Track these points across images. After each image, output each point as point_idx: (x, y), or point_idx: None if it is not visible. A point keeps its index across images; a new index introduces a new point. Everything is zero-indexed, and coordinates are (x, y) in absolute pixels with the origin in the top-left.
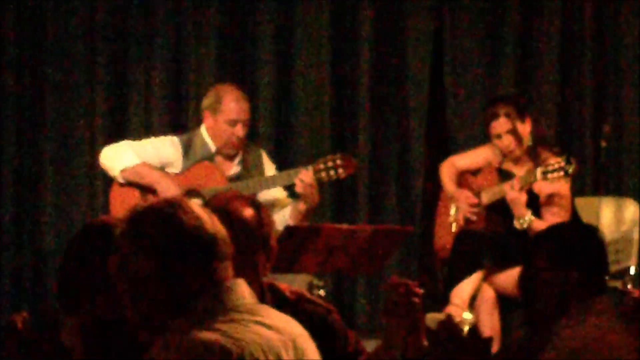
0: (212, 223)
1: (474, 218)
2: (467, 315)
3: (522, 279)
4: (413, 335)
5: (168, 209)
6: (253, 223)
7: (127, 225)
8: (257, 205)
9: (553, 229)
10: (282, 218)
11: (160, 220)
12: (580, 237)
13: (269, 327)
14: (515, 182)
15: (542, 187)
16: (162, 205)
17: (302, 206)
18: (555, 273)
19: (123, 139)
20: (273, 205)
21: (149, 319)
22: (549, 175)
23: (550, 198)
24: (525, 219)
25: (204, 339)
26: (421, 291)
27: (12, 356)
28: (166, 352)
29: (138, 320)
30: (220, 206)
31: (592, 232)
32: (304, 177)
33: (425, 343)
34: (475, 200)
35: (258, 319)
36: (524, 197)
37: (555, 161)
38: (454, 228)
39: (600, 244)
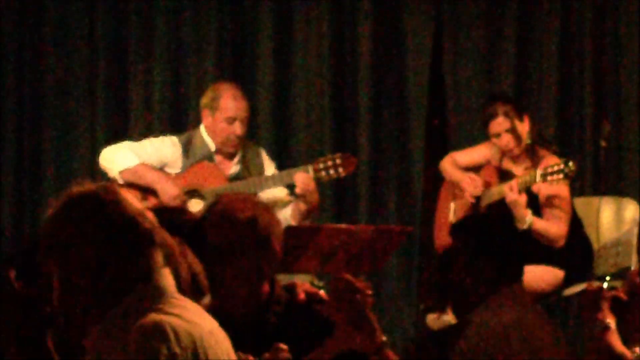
0: (144, 210)
1: (478, 192)
2: None
3: (440, 268)
4: (363, 332)
5: (103, 196)
6: (252, 224)
7: (62, 212)
8: (258, 206)
9: (469, 220)
10: (283, 218)
11: (96, 207)
12: (495, 226)
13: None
14: (514, 185)
15: (541, 188)
16: (96, 192)
17: (302, 206)
18: (471, 262)
19: (123, 140)
20: (274, 204)
21: (86, 308)
22: (549, 177)
23: (550, 200)
24: (526, 219)
25: (162, 321)
26: (368, 291)
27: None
28: (112, 340)
29: (74, 311)
30: (220, 207)
31: (508, 222)
32: (303, 177)
33: (381, 339)
34: (480, 180)
35: (188, 306)
36: (523, 199)
37: (554, 163)
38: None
39: (516, 233)
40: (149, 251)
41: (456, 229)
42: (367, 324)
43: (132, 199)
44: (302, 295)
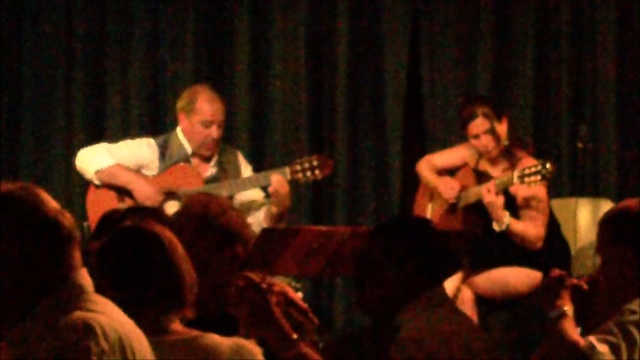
0: (63, 210)
1: (454, 195)
2: None
3: (359, 272)
4: (269, 330)
5: (22, 196)
6: (216, 220)
7: None
8: (218, 205)
9: (388, 224)
10: (257, 221)
11: (15, 207)
12: (416, 230)
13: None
14: (491, 186)
15: (519, 189)
16: (15, 192)
17: (274, 209)
18: (392, 266)
19: (100, 142)
20: (249, 206)
21: (6, 307)
22: (526, 179)
23: (527, 201)
24: (503, 221)
25: (89, 318)
26: (276, 287)
27: None
28: (36, 338)
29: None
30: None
31: (427, 225)
32: (276, 179)
33: (291, 337)
34: (455, 182)
35: (109, 305)
36: (500, 200)
37: (532, 164)
38: None
39: (437, 235)
40: (68, 250)
41: (376, 233)
42: (274, 322)
43: (51, 199)
44: (274, 297)
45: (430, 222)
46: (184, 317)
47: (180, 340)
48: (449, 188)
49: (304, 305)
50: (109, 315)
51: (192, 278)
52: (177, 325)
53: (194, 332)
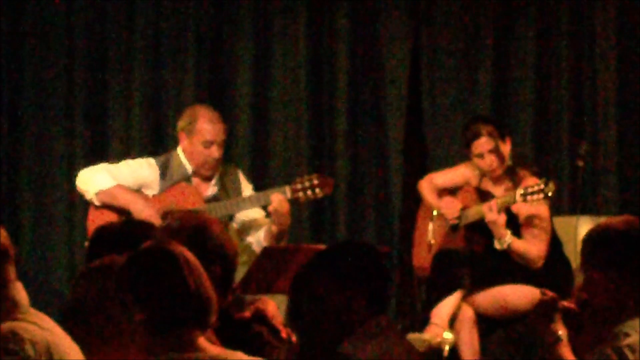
0: None
1: (456, 215)
2: (448, 335)
3: (299, 297)
4: None
5: None
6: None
7: None
8: (201, 222)
9: (335, 249)
10: (257, 240)
11: None
12: (359, 258)
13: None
14: (493, 204)
15: (521, 208)
16: None
17: (274, 228)
18: (338, 296)
19: (102, 162)
20: (250, 226)
21: None
22: (528, 197)
23: (530, 219)
24: (505, 239)
25: (17, 327)
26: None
27: None
28: None
29: None
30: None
31: (369, 251)
32: (276, 199)
33: None
34: (458, 203)
35: (44, 318)
36: (502, 219)
37: (534, 183)
38: (432, 247)
39: (379, 262)
40: (3, 266)
41: (322, 258)
42: None
43: None
44: (247, 313)
45: (375, 247)
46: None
47: (209, 358)
48: (450, 208)
49: (279, 325)
50: (42, 326)
51: (214, 297)
52: (203, 342)
53: (221, 350)
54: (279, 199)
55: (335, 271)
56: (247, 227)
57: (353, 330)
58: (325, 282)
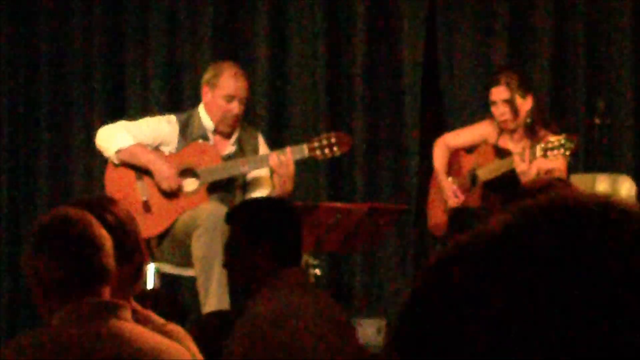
0: None
1: (457, 204)
2: None
3: (225, 254)
4: None
5: None
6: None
7: None
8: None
9: (245, 204)
10: None
11: None
12: (269, 211)
13: None
14: (526, 154)
15: (541, 165)
16: None
17: (275, 192)
18: (247, 248)
19: (120, 120)
20: (254, 184)
21: None
22: (549, 153)
23: (548, 173)
24: None
25: None
26: None
27: None
28: None
29: None
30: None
31: (281, 207)
32: (276, 159)
33: None
34: (460, 195)
35: None
36: (534, 170)
37: (555, 139)
38: (447, 206)
39: (290, 217)
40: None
41: (230, 216)
42: None
43: None
44: None
45: (287, 203)
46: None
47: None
48: (453, 196)
49: None
50: None
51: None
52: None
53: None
54: (277, 159)
55: (242, 227)
56: (252, 186)
57: (261, 284)
58: (235, 239)
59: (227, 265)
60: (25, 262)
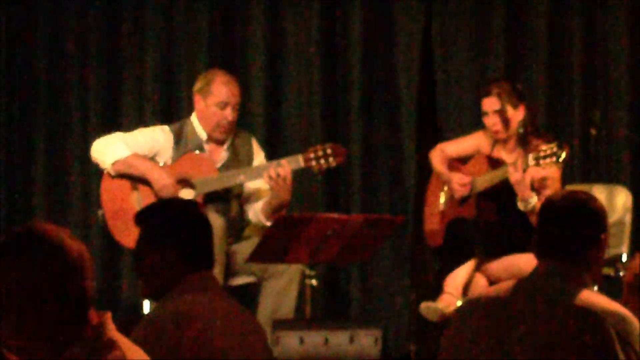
0: None
1: (466, 193)
2: (461, 304)
3: (134, 258)
4: None
5: None
6: None
7: None
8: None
9: (152, 206)
10: (254, 210)
11: None
12: (176, 214)
13: None
14: (519, 164)
15: (534, 174)
16: None
17: (272, 201)
18: (153, 252)
19: (116, 131)
20: (251, 195)
21: None
22: (541, 161)
23: (543, 182)
24: (530, 201)
25: None
26: None
27: None
28: None
29: None
30: None
31: (190, 209)
32: (273, 172)
33: None
34: (467, 179)
35: None
36: (528, 179)
37: (547, 147)
38: (444, 216)
39: (199, 219)
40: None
41: (141, 215)
42: None
43: None
44: None
45: (196, 205)
46: None
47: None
48: (460, 185)
49: None
50: None
51: None
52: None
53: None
54: (274, 173)
55: (150, 229)
56: (248, 196)
57: (166, 289)
58: (144, 240)
59: (135, 269)
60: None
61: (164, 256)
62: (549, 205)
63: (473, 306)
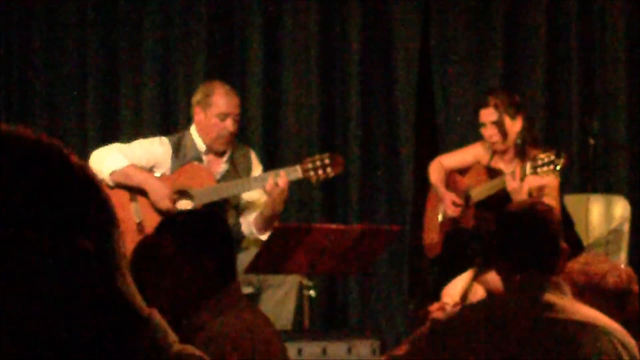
0: None
1: (456, 215)
2: None
3: (146, 270)
4: None
5: None
6: None
7: None
8: None
9: (178, 217)
10: (247, 221)
11: None
12: (213, 225)
13: None
14: (517, 172)
15: (532, 182)
16: None
17: (265, 212)
18: (187, 263)
19: (114, 142)
20: (246, 207)
21: None
22: (539, 170)
23: (540, 190)
24: None
25: None
26: None
27: None
28: None
29: None
30: None
31: (218, 220)
32: (271, 183)
33: None
34: (459, 201)
35: None
36: (526, 187)
37: (544, 155)
38: (442, 226)
39: (222, 229)
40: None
41: (172, 225)
42: None
43: None
44: None
45: (216, 215)
46: None
47: None
48: (452, 204)
49: None
50: None
51: None
52: None
53: None
54: (274, 183)
55: (185, 237)
56: (243, 208)
57: (202, 300)
58: (173, 252)
59: (151, 284)
60: None
61: (201, 267)
62: (514, 219)
63: (452, 329)
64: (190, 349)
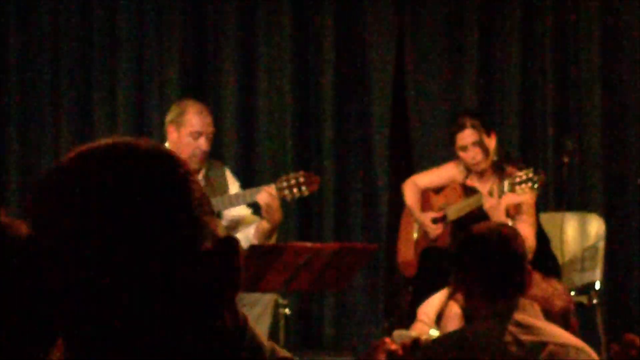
0: None
1: (439, 231)
2: (434, 332)
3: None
4: None
5: None
6: None
7: None
8: None
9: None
10: (245, 237)
11: None
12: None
13: None
14: (495, 189)
15: (510, 200)
16: None
17: (265, 225)
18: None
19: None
20: (238, 223)
21: None
22: (517, 187)
23: (518, 207)
24: None
25: None
26: None
27: None
28: None
29: None
30: None
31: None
32: (265, 196)
33: None
34: (439, 215)
35: None
36: (504, 205)
37: (522, 173)
38: (417, 245)
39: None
40: None
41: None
42: None
43: None
44: None
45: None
46: None
47: None
48: (432, 225)
49: None
50: None
51: None
52: None
53: None
54: (266, 196)
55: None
56: (236, 225)
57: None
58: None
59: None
60: None
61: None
62: (484, 245)
63: None
64: (283, 352)
